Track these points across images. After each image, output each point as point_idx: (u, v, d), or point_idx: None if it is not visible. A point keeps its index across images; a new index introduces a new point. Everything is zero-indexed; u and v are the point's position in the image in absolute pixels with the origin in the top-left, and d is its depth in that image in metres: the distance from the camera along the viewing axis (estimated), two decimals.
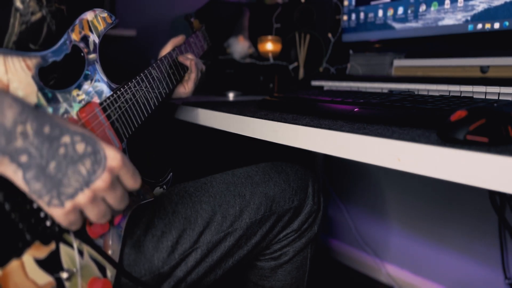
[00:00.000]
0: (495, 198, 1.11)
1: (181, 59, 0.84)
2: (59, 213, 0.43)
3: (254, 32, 1.34)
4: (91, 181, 0.44)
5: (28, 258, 0.47)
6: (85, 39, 0.60)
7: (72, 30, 0.58)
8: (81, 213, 0.45)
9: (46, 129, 0.42)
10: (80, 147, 0.44)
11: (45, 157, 0.41)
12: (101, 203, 0.45)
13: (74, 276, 0.51)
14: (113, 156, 0.46)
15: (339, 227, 1.76)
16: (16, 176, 0.41)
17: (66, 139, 0.43)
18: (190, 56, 0.86)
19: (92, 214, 0.45)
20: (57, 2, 0.59)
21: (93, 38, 0.61)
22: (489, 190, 1.11)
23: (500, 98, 0.70)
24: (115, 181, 0.46)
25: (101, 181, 0.44)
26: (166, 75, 0.78)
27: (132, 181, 0.48)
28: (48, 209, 0.43)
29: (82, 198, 0.43)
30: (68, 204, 0.43)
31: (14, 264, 0.45)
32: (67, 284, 0.50)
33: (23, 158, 0.40)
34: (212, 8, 1.36)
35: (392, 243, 1.54)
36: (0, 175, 0.42)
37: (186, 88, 0.86)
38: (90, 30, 0.61)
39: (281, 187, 0.79)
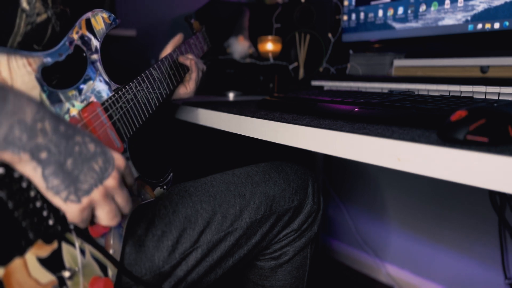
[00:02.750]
0: (495, 198, 1.11)
1: (181, 59, 0.84)
2: (75, 209, 0.44)
3: (254, 32, 1.34)
4: (104, 178, 0.46)
5: (31, 256, 0.47)
6: (85, 39, 0.60)
7: (77, 29, 0.59)
8: (92, 211, 0.47)
9: (62, 128, 0.44)
10: (91, 146, 0.46)
11: (63, 153, 0.43)
12: (112, 201, 0.48)
13: (76, 275, 0.51)
14: (118, 157, 0.49)
15: (339, 227, 1.76)
16: (35, 173, 0.42)
17: (78, 138, 0.45)
18: (190, 56, 0.86)
19: (104, 212, 0.47)
20: (62, 3, 0.60)
21: (94, 38, 0.61)
22: (489, 190, 1.12)
23: (500, 98, 0.70)
24: (121, 180, 0.49)
25: (112, 179, 0.47)
26: (166, 75, 0.79)
27: (130, 178, 0.53)
28: (64, 205, 0.44)
29: (97, 194, 0.45)
30: (85, 200, 0.45)
31: (16, 262, 0.45)
32: (69, 283, 0.50)
33: (43, 155, 0.42)
34: (212, 8, 1.36)
35: (392, 243, 1.54)
36: (18, 172, 0.43)
37: (187, 88, 0.86)
38: (91, 31, 0.61)
39: (281, 187, 0.79)
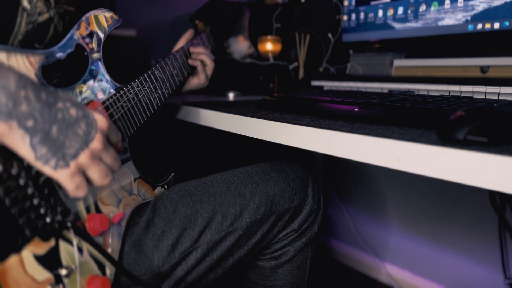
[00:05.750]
0: (495, 198, 1.11)
1: (191, 49, 0.91)
2: (66, 174, 0.45)
3: (254, 32, 1.34)
4: (88, 141, 0.47)
5: (27, 254, 0.47)
6: (91, 35, 0.60)
7: (78, 27, 0.59)
8: (85, 176, 0.47)
9: (43, 95, 0.44)
10: (73, 111, 0.46)
11: (47, 121, 0.43)
12: (101, 162, 0.48)
13: (73, 273, 0.51)
14: (100, 118, 0.49)
15: (339, 227, 1.76)
16: (23, 143, 0.42)
17: (60, 104, 0.45)
18: (200, 49, 0.92)
19: (95, 173, 0.48)
20: (66, 3, 0.60)
21: (96, 37, 0.61)
22: (489, 190, 1.12)
23: (500, 98, 0.70)
24: (106, 141, 0.50)
25: (96, 141, 0.48)
26: (169, 75, 0.79)
27: (116, 136, 0.53)
28: (55, 173, 0.44)
29: (84, 157, 0.46)
30: (73, 164, 0.45)
31: (13, 259, 0.45)
32: (65, 281, 0.50)
33: (29, 123, 0.42)
34: (212, 8, 1.36)
35: (392, 243, 1.54)
36: (6, 145, 0.42)
37: (200, 80, 0.93)
38: (96, 27, 0.61)
39: (281, 187, 0.79)
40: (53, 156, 0.44)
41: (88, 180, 0.48)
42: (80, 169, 0.46)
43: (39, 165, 0.44)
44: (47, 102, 0.44)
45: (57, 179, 0.45)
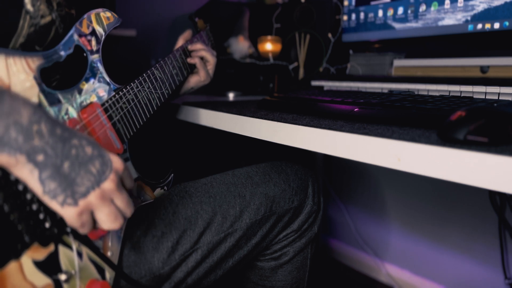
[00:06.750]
0: (495, 198, 1.11)
1: (190, 47, 0.89)
2: (73, 212, 0.44)
3: (254, 32, 1.33)
4: (101, 180, 0.46)
5: (27, 259, 0.46)
6: (92, 33, 0.60)
7: (80, 24, 0.58)
8: (92, 215, 0.46)
9: (58, 131, 0.43)
10: (88, 149, 0.46)
11: (59, 156, 0.43)
12: (111, 204, 0.47)
13: (73, 278, 0.51)
14: (116, 160, 0.48)
15: (339, 227, 1.76)
16: (32, 176, 0.41)
17: (75, 141, 0.45)
18: (198, 45, 0.90)
19: (103, 215, 0.46)
20: (67, 6, 0.60)
21: (95, 38, 0.61)
22: (489, 190, 1.11)
23: (500, 98, 0.70)
24: (120, 183, 0.48)
25: (110, 181, 0.46)
26: (169, 75, 0.78)
27: (130, 181, 0.52)
28: (62, 209, 0.44)
29: (94, 196, 0.45)
30: (82, 203, 0.44)
31: (12, 265, 0.45)
32: (65, 286, 0.50)
33: (40, 158, 0.41)
34: (212, 8, 1.36)
35: (392, 243, 1.54)
36: (15, 176, 0.42)
37: (200, 76, 0.90)
38: (97, 26, 0.61)
39: (281, 188, 0.79)
40: (62, 192, 0.43)
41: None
42: (88, 208, 0.45)
43: (46, 199, 0.43)
44: (62, 137, 0.43)
45: (62, 215, 0.44)
